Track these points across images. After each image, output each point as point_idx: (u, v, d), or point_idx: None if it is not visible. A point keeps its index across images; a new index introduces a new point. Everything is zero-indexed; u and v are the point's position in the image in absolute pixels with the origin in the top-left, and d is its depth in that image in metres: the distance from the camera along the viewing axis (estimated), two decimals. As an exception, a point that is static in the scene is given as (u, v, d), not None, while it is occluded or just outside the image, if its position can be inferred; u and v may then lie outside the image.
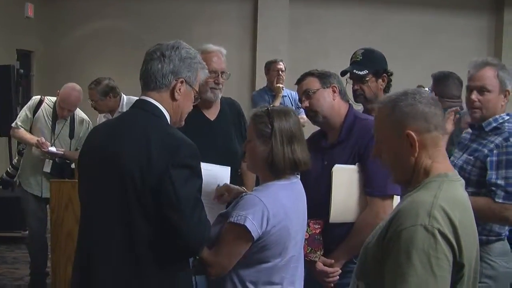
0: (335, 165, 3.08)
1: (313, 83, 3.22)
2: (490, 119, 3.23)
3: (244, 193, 2.58)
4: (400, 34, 12.01)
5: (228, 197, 2.96)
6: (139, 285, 2.32)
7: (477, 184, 3.17)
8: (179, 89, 2.45)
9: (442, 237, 1.76)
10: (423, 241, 1.75)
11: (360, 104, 3.69)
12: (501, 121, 3.22)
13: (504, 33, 12.58)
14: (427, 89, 4.35)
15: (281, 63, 7.15)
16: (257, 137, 2.59)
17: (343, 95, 3.25)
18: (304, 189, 2.76)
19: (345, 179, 3.08)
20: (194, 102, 2.59)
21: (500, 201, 3.08)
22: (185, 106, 2.52)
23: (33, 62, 10.58)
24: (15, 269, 6.37)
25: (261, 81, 7.98)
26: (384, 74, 3.62)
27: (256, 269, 2.51)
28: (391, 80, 3.64)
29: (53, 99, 5.69)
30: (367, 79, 3.54)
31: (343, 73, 3.63)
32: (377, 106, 2.07)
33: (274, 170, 2.56)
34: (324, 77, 3.23)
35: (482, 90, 3.23)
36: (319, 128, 3.40)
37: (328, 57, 11.67)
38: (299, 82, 3.29)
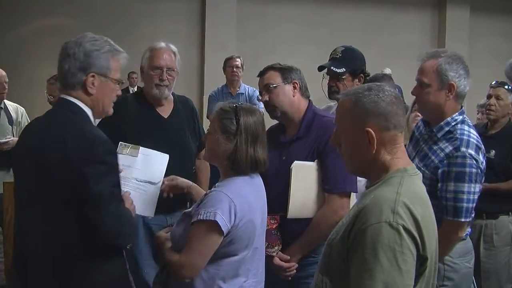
0: (294, 162, 3.09)
1: (275, 78, 3.22)
2: (442, 124, 3.00)
3: (208, 191, 2.57)
4: (345, 30, 12.15)
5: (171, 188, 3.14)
6: (68, 280, 2.39)
7: (429, 194, 2.96)
8: (92, 83, 2.48)
9: (406, 232, 1.79)
10: (388, 238, 1.78)
11: (335, 100, 3.67)
12: (453, 123, 2.98)
13: (447, 29, 12.87)
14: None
15: (237, 59, 7.18)
16: (221, 132, 2.58)
17: (303, 91, 3.25)
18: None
19: (304, 176, 3.09)
20: (119, 88, 2.64)
21: (450, 218, 2.89)
22: (105, 96, 2.55)
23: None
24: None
25: (210, 79, 7.99)
26: (361, 74, 3.65)
27: (224, 263, 2.52)
28: (367, 81, 3.64)
29: (12, 103, 5.62)
30: (343, 77, 3.57)
31: (320, 69, 3.65)
32: (341, 98, 2.08)
33: (235, 168, 2.58)
34: (286, 72, 3.23)
35: (421, 84, 3.01)
36: (277, 121, 3.40)
37: (275, 53, 11.72)
38: (261, 75, 3.29)
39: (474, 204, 2.93)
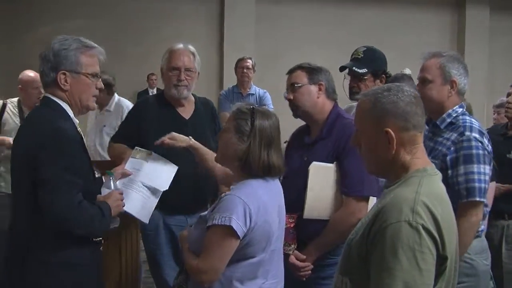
0: (312, 163, 3.10)
1: (301, 77, 3.22)
2: (444, 115, 3.15)
3: (223, 194, 2.55)
4: (364, 30, 12.10)
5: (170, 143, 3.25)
6: (27, 257, 2.59)
7: None
8: (64, 81, 2.65)
9: (426, 232, 1.80)
10: (408, 237, 1.78)
11: (355, 101, 3.69)
12: (454, 115, 3.13)
13: (466, 28, 12.78)
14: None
15: (249, 60, 7.19)
16: (234, 132, 2.57)
17: (329, 93, 3.23)
18: (283, 183, 2.79)
19: (321, 177, 3.09)
20: (97, 81, 2.76)
21: (465, 200, 2.95)
22: (81, 91, 2.70)
23: (-8, 63, 10.46)
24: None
25: (229, 79, 8.02)
26: (383, 75, 3.65)
27: (241, 266, 2.52)
28: (388, 81, 3.63)
29: (15, 99, 5.65)
30: (365, 77, 3.58)
31: (342, 69, 3.66)
32: (360, 99, 2.08)
33: (247, 170, 2.56)
34: (313, 73, 3.23)
35: (423, 80, 3.16)
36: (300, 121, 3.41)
37: (295, 54, 11.70)
38: (289, 73, 3.30)
39: (487, 186, 2.99)
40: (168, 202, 3.52)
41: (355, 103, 3.72)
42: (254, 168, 2.55)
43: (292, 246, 3.11)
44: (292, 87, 3.24)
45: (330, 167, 3.08)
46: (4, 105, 5.66)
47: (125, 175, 3.14)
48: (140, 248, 4.29)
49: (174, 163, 3.39)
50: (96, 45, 2.77)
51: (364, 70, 3.57)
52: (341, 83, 3.67)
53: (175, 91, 3.73)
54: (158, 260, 3.73)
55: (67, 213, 2.49)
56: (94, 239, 2.69)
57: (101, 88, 2.80)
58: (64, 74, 2.64)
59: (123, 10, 11.66)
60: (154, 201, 3.24)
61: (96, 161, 3.91)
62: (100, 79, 2.78)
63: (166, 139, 3.31)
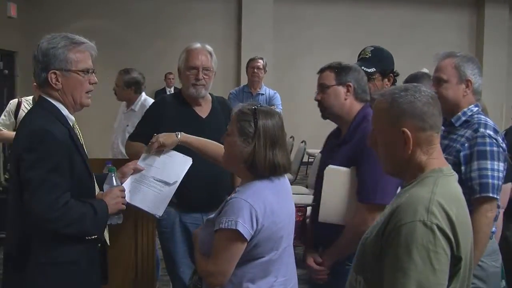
0: (328, 166, 3.08)
1: (329, 78, 3.17)
2: (459, 114, 3.16)
3: (229, 198, 2.55)
4: (382, 30, 12.09)
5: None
6: (20, 258, 2.62)
7: None
8: (55, 80, 2.65)
9: (441, 232, 1.80)
10: (422, 237, 1.78)
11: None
12: (469, 113, 3.14)
13: (485, 28, 12.70)
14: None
15: (260, 60, 7.20)
16: (238, 134, 2.55)
17: (358, 93, 3.16)
18: (316, 184, 2.78)
19: (336, 181, 3.05)
20: (90, 77, 2.74)
21: (477, 195, 2.94)
22: (73, 89, 2.69)
23: (16, 62, 10.56)
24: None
25: (246, 79, 8.05)
26: (391, 74, 3.63)
27: (252, 266, 2.52)
28: (396, 81, 3.64)
29: (30, 98, 5.72)
30: (373, 77, 3.54)
31: None
32: (377, 98, 2.08)
33: (253, 171, 2.55)
34: (341, 73, 3.17)
35: (439, 80, 3.17)
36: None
37: (312, 53, 11.72)
38: (319, 72, 3.25)
39: (501, 182, 2.98)
40: (184, 200, 3.58)
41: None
42: (260, 169, 2.54)
43: (302, 238, 3.10)
44: (320, 87, 3.20)
45: (345, 171, 3.03)
46: (19, 103, 5.83)
47: (137, 170, 3.15)
48: (156, 245, 4.32)
49: None
50: (85, 40, 2.74)
51: (372, 70, 3.55)
52: None
53: (193, 90, 3.75)
54: (174, 257, 3.75)
55: (48, 214, 2.50)
56: (88, 238, 2.69)
57: (95, 83, 2.77)
58: (55, 73, 2.63)
59: (140, 9, 11.73)
60: (169, 192, 3.22)
61: (113, 159, 3.94)
62: (94, 74, 2.75)
63: (155, 144, 3.27)
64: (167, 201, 3.22)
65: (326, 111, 3.20)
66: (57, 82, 2.64)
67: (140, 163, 3.18)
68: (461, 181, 2.71)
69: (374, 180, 2.83)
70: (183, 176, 3.28)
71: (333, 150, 3.20)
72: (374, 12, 12.41)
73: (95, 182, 2.88)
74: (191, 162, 3.30)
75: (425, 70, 5.55)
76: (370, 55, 3.62)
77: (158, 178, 3.18)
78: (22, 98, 5.85)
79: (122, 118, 6.04)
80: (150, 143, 3.26)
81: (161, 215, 3.25)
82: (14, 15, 10.67)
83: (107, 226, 2.91)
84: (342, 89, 3.15)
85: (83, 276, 2.68)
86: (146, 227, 4.11)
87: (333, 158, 3.14)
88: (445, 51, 3.26)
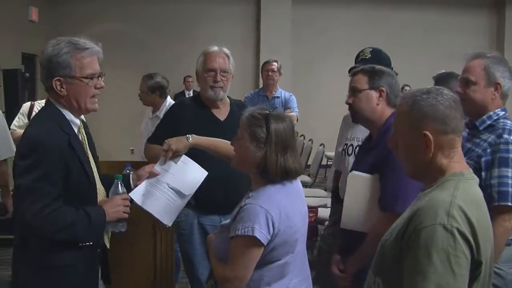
0: (352, 171, 3.07)
1: (362, 82, 3.11)
2: (484, 117, 3.06)
3: (243, 204, 2.56)
4: (402, 34, 12.04)
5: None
6: (20, 263, 2.69)
7: None
8: (60, 86, 2.65)
9: (461, 236, 1.79)
10: (442, 240, 1.78)
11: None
12: (495, 117, 3.05)
13: (506, 30, 12.59)
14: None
15: (274, 63, 7.19)
16: (250, 139, 2.56)
17: (390, 99, 3.09)
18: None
19: (358, 187, 3.02)
20: (95, 82, 2.72)
21: (496, 203, 2.87)
22: (78, 95, 2.68)
23: (37, 65, 10.65)
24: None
25: (263, 83, 8.10)
26: None
27: (268, 269, 2.54)
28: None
29: (42, 101, 5.81)
30: None
31: (350, 70, 3.65)
32: (400, 100, 2.08)
33: (265, 176, 2.56)
34: (374, 77, 3.11)
35: (466, 81, 3.07)
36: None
37: (331, 57, 11.70)
38: (351, 75, 3.21)
39: None
40: (202, 202, 3.60)
41: None
42: (272, 174, 2.55)
43: (313, 239, 3.08)
44: (352, 91, 3.14)
45: (368, 178, 2.99)
46: (32, 106, 5.98)
47: (152, 174, 3.16)
48: (175, 248, 4.34)
49: (207, 163, 3.41)
50: (90, 45, 2.71)
51: None
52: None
53: (211, 93, 3.78)
54: (192, 259, 3.77)
55: (34, 221, 2.53)
56: (82, 244, 2.69)
57: (102, 87, 2.75)
58: (59, 80, 2.64)
59: (159, 13, 11.80)
60: (181, 205, 3.22)
61: (132, 162, 3.97)
62: (101, 78, 2.75)
63: (169, 153, 3.25)
64: (177, 212, 3.22)
65: (357, 115, 3.16)
66: (61, 89, 2.65)
67: (156, 167, 3.19)
68: (480, 188, 2.63)
69: (396, 189, 2.79)
70: (196, 188, 3.28)
71: (362, 155, 3.18)
72: (393, 16, 12.37)
73: (102, 186, 2.90)
74: (206, 175, 3.30)
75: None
76: (369, 56, 3.64)
77: (172, 186, 3.17)
78: (35, 102, 6.00)
79: (149, 124, 6.07)
80: (163, 152, 3.24)
81: (170, 225, 3.27)
82: (35, 19, 10.79)
83: (109, 232, 2.94)
84: (374, 94, 3.09)
85: (80, 280, 2.71)
86: (165, 229, 4.13)
87: (360, 163, 3.12)
88: (474, 51, 3.14)
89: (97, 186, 2.81)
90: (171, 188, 3.18)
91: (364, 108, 3.10)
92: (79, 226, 2.60)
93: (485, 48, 12.15)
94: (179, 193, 3.20)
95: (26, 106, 6.12)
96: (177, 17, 11.87)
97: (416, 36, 12.14)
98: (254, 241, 2.43)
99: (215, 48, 3.85)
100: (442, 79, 4.48)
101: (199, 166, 3.31)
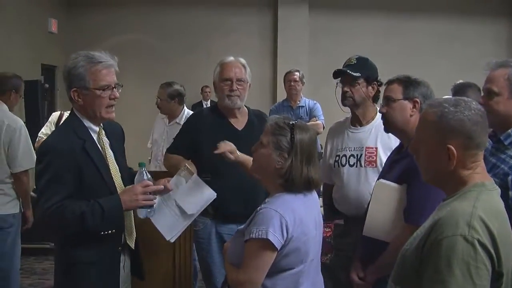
0: (379, 180, 3.05)
1: (396, 91, 3.08)
2: (509, 131, 2.88)
3: (258, 208, 2.56)
4: (418, 43, 11.99)
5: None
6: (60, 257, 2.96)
7: None
8: (77, 97, 2.88)
9: (482, 247, 1.78)
10: (463, 251, 1.77)
11: (348, 108, 3.70)
12: None
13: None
14: None
15: (296, 73, 7.22)
16: (274, 148, 2.57)
17: None
18: None
19: (384, 196, 2.99)
20: (110, 93, 2.91)
21: None
22: (93, 105, 2.89)
23: (57, 76, 10.77)
24: (46, 280, 6.35)
25: (282, 92, 8.07)
26: (375, 83, 3.65)
27: (281, 277, 2.54)
28: (379, 91, 3.61)
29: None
30: (358, 81, 3.57)
31: (336, 73, 3.68)
32: (426, 108, 2.06)
33: (289, 185, 2.56)
34: (409, 87, 3.07)
35: (489, 92, 2.88)
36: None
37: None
38: (386, 84, 3.19)
39: None
40: (221, 211, 3.63)
41: (347, 110, 3.75)
42: (297, 184, 2.56)
43: (329, 255, 3.07)
44: (386, 100, 3.11)
45: (395, 187, 2.95)
46: (61, 116, 6.25)
47: (166, 188, 3.17)
48: (193, 257, 4.36)
49: (225, 172, 3.43)
50: (105, 58, 2.91)
51: (358, 74, 3.55)
52: (334, 91, 3.71)
53: (228, 101, 3.81)
54: (210, 268, 3.79)
55: (45, 217, 2.75)
56: (104, 233, 2.86)
57: (116, 98, 2.93)
58: (76, 91, 2.87)
59: (176, 22, 11.87)
60: (182, 224, 3.22)
61: (154, 172, 4.01)
62: (115, 89, 2.92)
63: (226, 151, 3.38)
64: (181, 230, 3.24)
65: (389, 125, 3.13)
66: (78, 99, 2.88)
67: (171, 183, 3.20)
68: (507, 207, 2.45)
69: (423, 202, 2.74)
70: (201, 209, 3.29)
71: (391, 164, 3.15)
72: (410, 24, 12.32)
73: (125, 185, 3.01)
74: (214, 197, 3.30)
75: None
76: (355, 61, 3.65)
77: (178, 204, 3.20)
78: (64, 112, 6.17)
79: (167, 131, 6.11)
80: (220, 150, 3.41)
81: (172, 241, 3.29)
82: (54, 31, 10.90)
83: (134, 233, 3.08)
84: (408, 104, 3.06)
85: (101, 277, 2.86)
86: (183, 238, 4.16)
87: (388, 172, 3.09)
88: (498, 60, 2.96)
89: (116, 186, 2.95)
90: (177, 206, 3.21)
91: (398, 119, 3.07)
92: (89, 217, 2.74)
93: (503, 57, 12.05)
94: (182, 211, 3.20)
95: (55, 115, 6.47)
96: (194, 28, 11.92)
97: (431, 45, 12.03)
98: (268, 244, 2.44)
99: (231, 58, 3.91)
100: (460, 90, 4.44)
101: (209, 188, 3.30)
